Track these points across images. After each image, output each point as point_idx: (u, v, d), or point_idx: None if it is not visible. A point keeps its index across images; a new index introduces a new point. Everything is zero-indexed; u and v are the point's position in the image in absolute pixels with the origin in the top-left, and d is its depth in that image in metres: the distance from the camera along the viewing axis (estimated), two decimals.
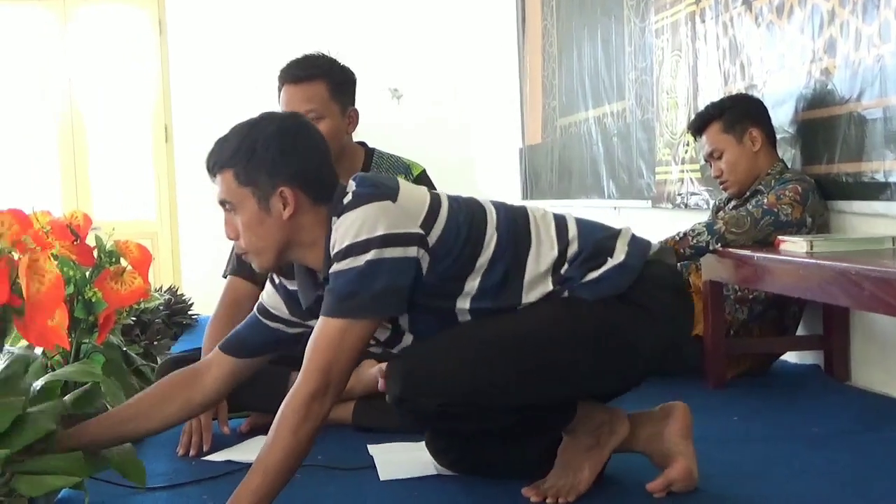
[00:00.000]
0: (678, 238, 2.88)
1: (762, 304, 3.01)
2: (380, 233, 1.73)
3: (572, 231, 1.89)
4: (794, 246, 2.53)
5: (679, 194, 4.01)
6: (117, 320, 2.70)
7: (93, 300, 2.52)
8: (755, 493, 1.97)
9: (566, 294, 1.86)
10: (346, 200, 1.78)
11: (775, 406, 2.73)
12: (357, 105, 2.73)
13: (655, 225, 4.16)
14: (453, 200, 1.88)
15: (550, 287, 1.85)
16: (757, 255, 2.61)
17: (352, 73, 2.73)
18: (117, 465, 1.92)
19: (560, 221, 1.91)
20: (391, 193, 1.79)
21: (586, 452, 1.94)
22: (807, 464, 2.15)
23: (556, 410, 1.91)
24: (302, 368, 1.75)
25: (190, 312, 4.75)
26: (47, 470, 1.73)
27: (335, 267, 1.76)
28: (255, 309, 2.04)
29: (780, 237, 2.66)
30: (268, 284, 2.03)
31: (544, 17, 5.83)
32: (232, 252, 2.77)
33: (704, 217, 3.26)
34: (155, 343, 3.60)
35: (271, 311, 2.01)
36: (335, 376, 1.74)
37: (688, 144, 3.89)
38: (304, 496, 2.00)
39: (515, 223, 1.88)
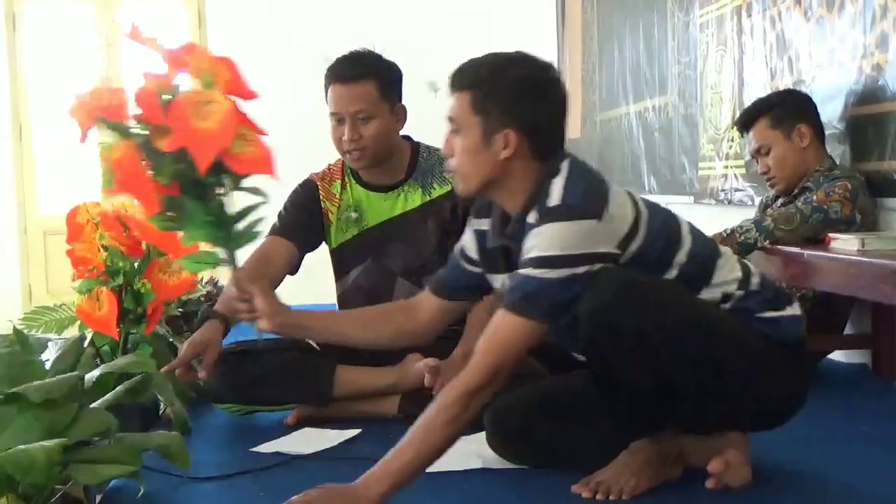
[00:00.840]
0: (725, 235, 2.85)
1: (810, 303, 2.97)
2: (579, 252, 1.77)
3: (756, 276, 1.94)
4: (845, 244, 2.49)
5: (723, 190, 3.97)
6: (165, 311, 2.73)
7: (142, 291, 2.55)
8: (812, 489, 1.96)
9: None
10: (551, 203, 1.80)
11: (824, 405, 2.68)
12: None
13: (698, 221, 4.11)
14: (652, 218, 1.88)
15: (718, 297, 1.89)
16: (807, 252, 2.57)
17: (399, 70, 2.72)
18: (163, 450, 1.93)
19: (745, 266, 1.96)
20: (598, 210, 1.80)
21: (647, 465, 1.94)
22: (861, 462, 2.13)
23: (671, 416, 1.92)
24: (472, 360, 1.79)
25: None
26: (103, 459, 1.74)
27: (527, 271, 1.79)
28: (455, 251, 2.13)
29: (830, 234, 2.63)
30: (467, 228, 2.10)
31: (585, 11, 5.79)
32: (277, 218, 2.75)
33: (748, 213, 3.23)
34: None
35: (468, 253, 2.09)
36: (502, 374, 1.78)
37: (732, 140, 3.86)
38: None
39: (705, 257, 1.91)
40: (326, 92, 2.65)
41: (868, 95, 2.92)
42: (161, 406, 2.68)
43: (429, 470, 2.08)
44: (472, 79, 1.88)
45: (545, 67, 1.92)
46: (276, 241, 2.68)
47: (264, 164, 1.84)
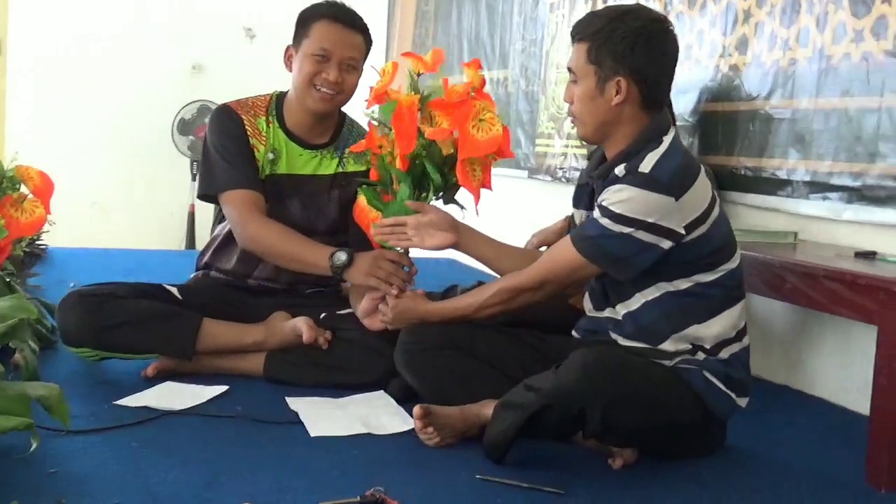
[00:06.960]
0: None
1: None
2: (645, 219, 1.93)
3: (746, 342, 2.08)
4: None
5: (560, 168, 4.10)
6: (13, 251, 2.53)
7: None
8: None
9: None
10: (640, 168, 1.95)
11: None
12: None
13: (532, 195, 4.25)
14: (721, 220, 2.03)
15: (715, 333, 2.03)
16: None
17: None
18: (43, 401, 1.81)
19: (745, 325, 2.10)
20: (678, 191, 1.94)
21: (469, 430, 2.05)
22: None
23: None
24: (531, 266, 2.11)
25: (38, 242, 4.48)
26: None
27: (596, 215, 1.98)
28: None
29: None
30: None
31: None
32: (224, 161, 2.61)
33: None
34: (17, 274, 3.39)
35: None
36: (546, 287, 2.10)
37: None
38: (241, 451, 1.96)
39: (738, 283, 2.07)
40: (308, 28, 2.57)
41: (722, 93, 3.09)
42: None
43: (315, 434, 2.08)
44: (589, 32, 2.02)
45: (659, 20, 2.03)
46: (256, 196, 2.58)
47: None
